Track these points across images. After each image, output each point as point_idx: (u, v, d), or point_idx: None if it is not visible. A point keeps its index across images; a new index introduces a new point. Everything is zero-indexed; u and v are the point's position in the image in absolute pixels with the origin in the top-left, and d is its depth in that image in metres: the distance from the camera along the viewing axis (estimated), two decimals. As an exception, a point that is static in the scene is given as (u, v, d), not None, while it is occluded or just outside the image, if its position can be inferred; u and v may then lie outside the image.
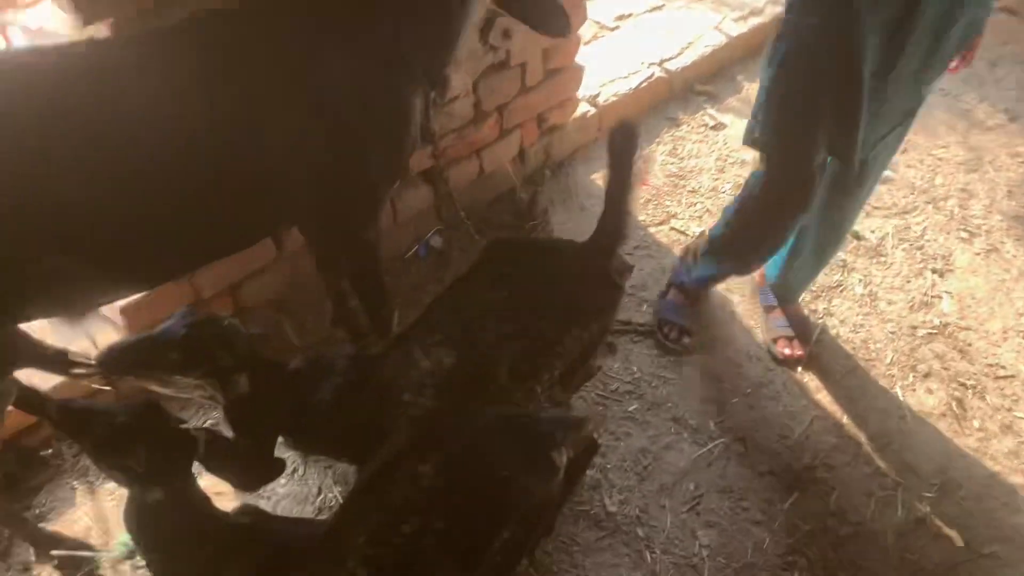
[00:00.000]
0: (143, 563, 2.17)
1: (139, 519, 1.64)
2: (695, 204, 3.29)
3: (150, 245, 1.73)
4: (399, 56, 1.86)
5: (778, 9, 2.37)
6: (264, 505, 2.32)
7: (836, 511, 2.40)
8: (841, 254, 3.01)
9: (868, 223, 3.24)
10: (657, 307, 2.86)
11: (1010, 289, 3.06)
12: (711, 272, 2.72)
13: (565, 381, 1.94)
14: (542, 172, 3.37)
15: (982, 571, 2.33)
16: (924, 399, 2.69)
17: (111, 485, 2.29)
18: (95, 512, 2.30)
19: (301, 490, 2.37)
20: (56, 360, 2.18)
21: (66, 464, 2.42)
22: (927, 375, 2.76)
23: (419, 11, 1.86)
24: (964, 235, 3.25)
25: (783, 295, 2.81)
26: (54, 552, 2.18)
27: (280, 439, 2.00)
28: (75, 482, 2.37)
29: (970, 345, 2.86)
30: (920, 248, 3.18)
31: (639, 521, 2.34)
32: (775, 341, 2.76)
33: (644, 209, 3.22)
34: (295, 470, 2.45)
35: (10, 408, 1.98)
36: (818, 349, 2.81)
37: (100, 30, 1.88)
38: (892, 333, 2.87)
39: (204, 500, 1.72)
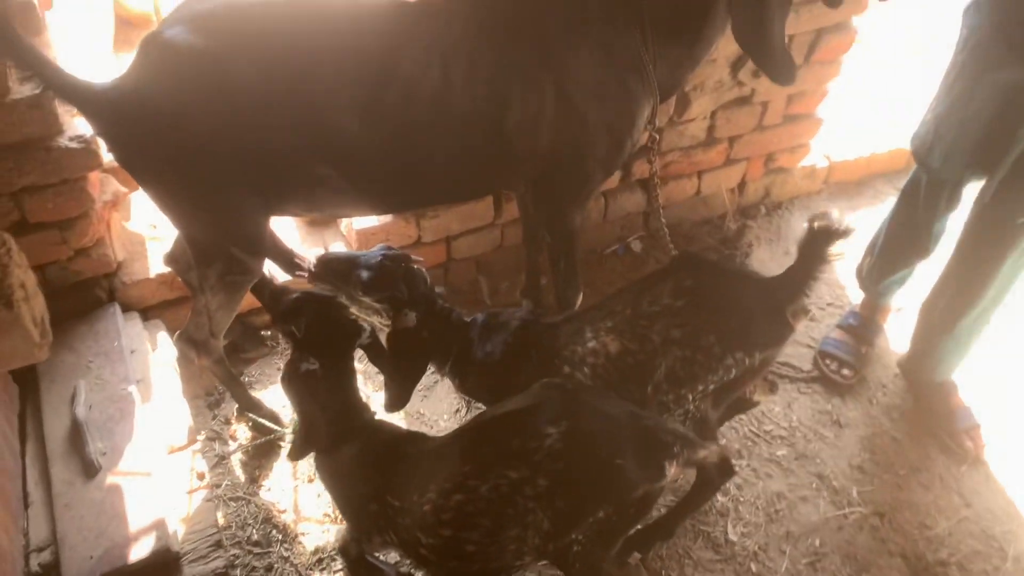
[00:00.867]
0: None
1: (289, 379, 1.94)
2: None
3: (394, 178, 2.06)
4: (641, 64, 2.05)
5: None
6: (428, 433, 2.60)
7: (955, 615, 2.35)
8: None
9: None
10: (821, 342, 2.93)
11: None
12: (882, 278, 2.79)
13: (717, 399, 2.04)
14: (758, 208, 3.44)
15: None
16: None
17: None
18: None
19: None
20: (286, 258, 2.56)
21: (279, 347, 2.83)
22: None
23: (666, 31, 2.05)
24: None
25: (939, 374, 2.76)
26: (250, 414, 2.57)
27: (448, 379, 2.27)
28: (281, 363, 2.76)
29: None
30: None
31: (755, 557, 2.40)
32: (958, 433, 2.69)
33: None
34: (457, 410, 2.72)
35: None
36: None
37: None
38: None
39: (350, 387, 2.00)
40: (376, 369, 2.15)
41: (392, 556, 2.30)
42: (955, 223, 2.54)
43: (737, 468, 2.58)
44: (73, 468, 2.15)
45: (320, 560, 2.33)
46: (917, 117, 2.44)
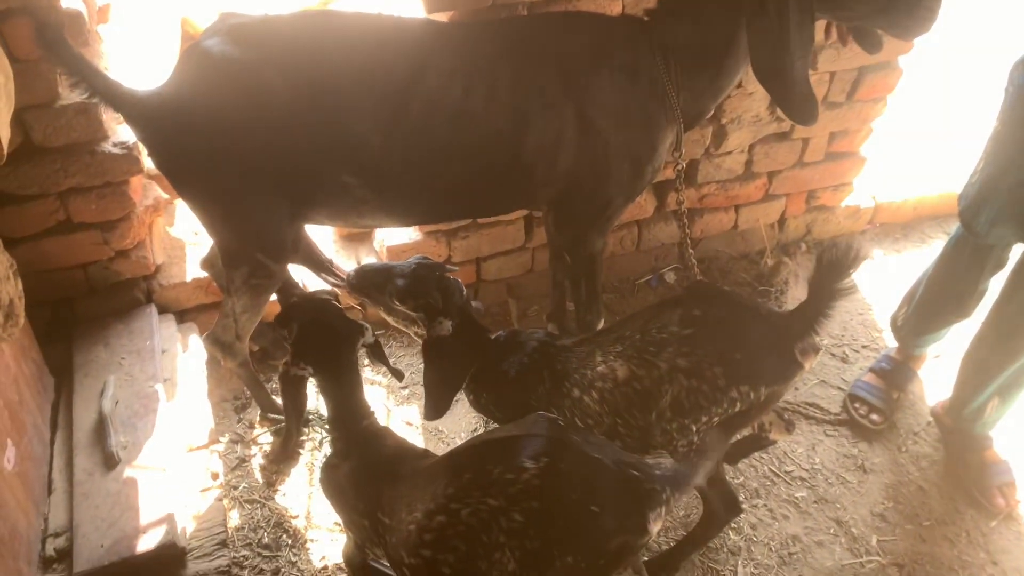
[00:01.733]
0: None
1: (280, 381, 1.96)
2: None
3: (415, 191, 2.11)
4: (663, 91, 2.07)
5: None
6: (445, 449, 2.62)
7: None
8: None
9: None
10: (852, 385, 2.86)
11: None
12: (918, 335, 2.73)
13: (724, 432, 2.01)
14: (797, 245, 3.39)
15: None
16: None
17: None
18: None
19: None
20: (322, 265, 2.63)
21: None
22: None
23: (690, 60, 2.06)
24: None
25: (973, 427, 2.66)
26: (270, 415, 2.64)
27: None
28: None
29: None
30: None
31: (764, 600, 2.35)
32: (990, 488, 2.59)
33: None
34: (475, 429, 2.74)
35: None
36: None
37: (440, 18, 2.27)
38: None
39: (350, 390, 1.98)
40: (399, 383, 2.20)
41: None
42: (998, 279, 2.47)
43: (753, 507, 2.54)
44: (95, 459, 2.24)
45: (326, 568, 2.36)
46: (967, 163, 2.38)
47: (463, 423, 2.76)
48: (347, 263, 2.91)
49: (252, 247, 2.11)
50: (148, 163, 2.42)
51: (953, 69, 4.17)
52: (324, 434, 2.65)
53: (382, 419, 2.73)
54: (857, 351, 3.05)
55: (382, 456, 1.96)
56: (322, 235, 3.03)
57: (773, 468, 2.66)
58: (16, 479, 2.05)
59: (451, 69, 1.97)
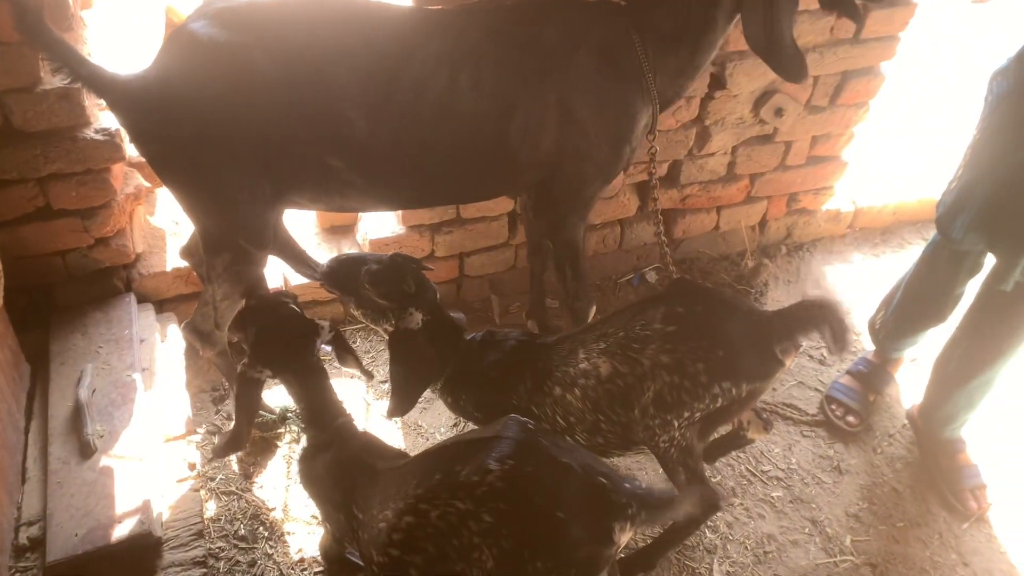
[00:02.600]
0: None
1: (239, 385, 1.95)
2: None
3: (401, 175, 2.11)
4: (640, 73, 2.10)
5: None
6: (425, 445, 2.62)
7: None
8: None
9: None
10: (829, 387, 2.89)
11: None
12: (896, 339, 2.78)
13: (704, 429, 2.03)
14: (778, 247, 3.41)
15: None
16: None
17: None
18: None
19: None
20: (297, 257, 2.61)
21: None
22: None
23: (667, 40, 2.10)
24: None
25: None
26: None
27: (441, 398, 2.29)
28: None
29: None
30: None
31: (739, 598, 2.37)
32: (963, 491, 2.62)
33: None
34: (455, 424, 2.74)
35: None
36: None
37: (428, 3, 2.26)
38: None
39: (318, 387, 1.97)
40: (383, 379, 2.17)
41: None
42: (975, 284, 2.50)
43: (730, 506, 2.56)
44: (70, 448, 2.22)
45: (302, 560, 2.35)
46: (946, 169, 2.41)
47: (443, 418, 2.75)
48: (330, 255, 2.90)
49: (234, 233, 2.10)
50: (130, 150, 2.40)
51: (935, 77, 4.23)
52: (301, 429, 2.64)
53: (361, 412, 2.73)
54: (835, 353, 3.07)
55: (359, 452, 1.95)
56: (304, 227, 3.02)
57: (750, 467, 2.69)
58: (-11, 466, 2.03)
59: (437, 54, 1.98)
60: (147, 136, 1.97)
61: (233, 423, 1.98)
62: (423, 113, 1.98)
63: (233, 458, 2.58)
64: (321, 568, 2.32)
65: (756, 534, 2.51)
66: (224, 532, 2.39)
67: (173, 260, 2.71)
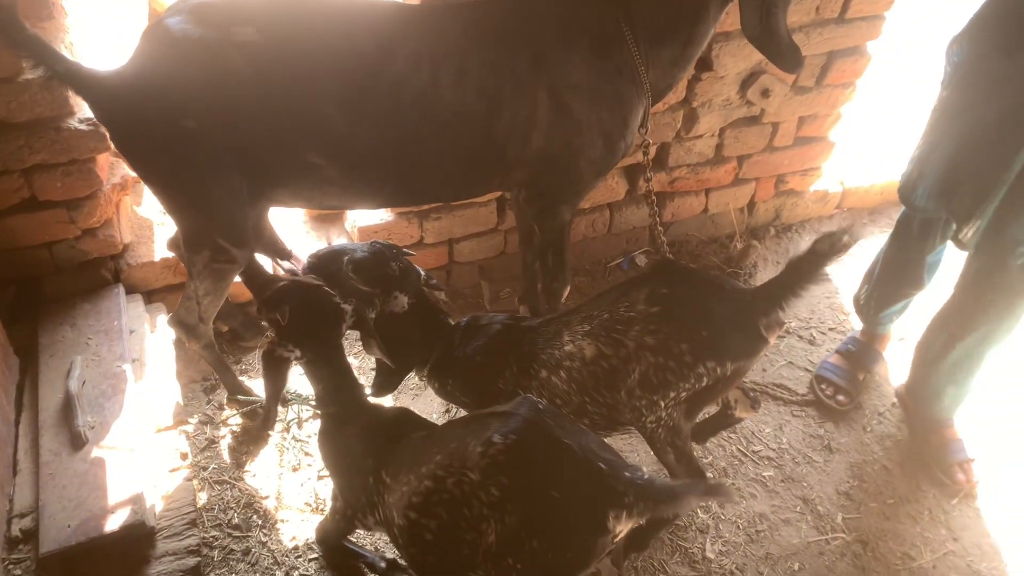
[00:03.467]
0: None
1: (265, 361, 1.99)
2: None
3: (382, 172, 2.09)
4: (632, 66, 2.09)
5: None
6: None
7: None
8: None
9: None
10: (818, 366, 2.91)
11: None
12: (879, 309, 2.80)
13: (690, 409, 2.04)
14: (766, 229, 3.42)
15: None
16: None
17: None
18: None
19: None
20: (282, 252, 2.61)
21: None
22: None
23: (659, 32, 2.09)
24: None
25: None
26: (237, 396, 2.62)
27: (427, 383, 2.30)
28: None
29: None
30: None
31: (731, 576, 2.39)
32: (951, 466, 2.64)
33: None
34: (447, 410, 2.74)
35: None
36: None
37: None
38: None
39: (342, 368, 2.02)
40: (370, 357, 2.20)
41: (380, 542, 2.36)
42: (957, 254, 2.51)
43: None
44: (61, 439, 2.22)
45: (296, 548, 2.36)
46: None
47: (435, 404, 2.76)
48: (318, 244, 2.90)
49: (212, 231, 2.09)
50: (115, 140, 2.38)
51: (922, 56, 4.23)
52: (297, 415, 2.64)
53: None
54: (824, 333, 3.10)
55: (391, 420, 2.02)
56: (292, 217, 3.01)
57: (741, 448, 2.70)
58: (-20, 459, 2.03)
59: (418, 51, 1.95)
60: (123, 133, 1.96)
61: (264, 402, 2.04)
62: (405, 111, 1.96)
63: (224, 447, 2.58)
64: (315, 555, 2.33)
65: (748, 513, 2.53)
66: (218, 521, 2.39)
67: (161, 250, 2.70)
